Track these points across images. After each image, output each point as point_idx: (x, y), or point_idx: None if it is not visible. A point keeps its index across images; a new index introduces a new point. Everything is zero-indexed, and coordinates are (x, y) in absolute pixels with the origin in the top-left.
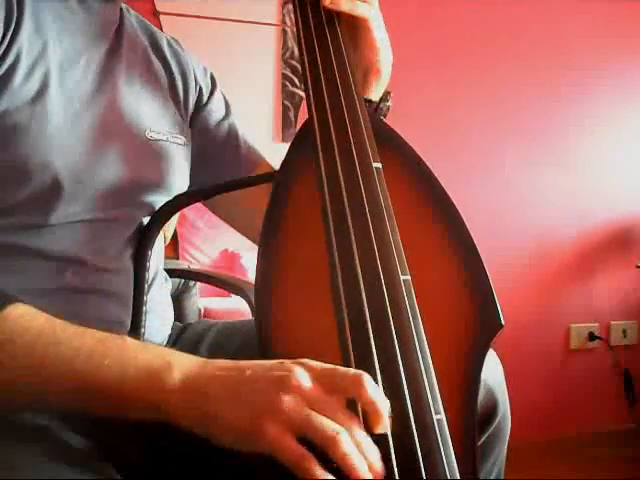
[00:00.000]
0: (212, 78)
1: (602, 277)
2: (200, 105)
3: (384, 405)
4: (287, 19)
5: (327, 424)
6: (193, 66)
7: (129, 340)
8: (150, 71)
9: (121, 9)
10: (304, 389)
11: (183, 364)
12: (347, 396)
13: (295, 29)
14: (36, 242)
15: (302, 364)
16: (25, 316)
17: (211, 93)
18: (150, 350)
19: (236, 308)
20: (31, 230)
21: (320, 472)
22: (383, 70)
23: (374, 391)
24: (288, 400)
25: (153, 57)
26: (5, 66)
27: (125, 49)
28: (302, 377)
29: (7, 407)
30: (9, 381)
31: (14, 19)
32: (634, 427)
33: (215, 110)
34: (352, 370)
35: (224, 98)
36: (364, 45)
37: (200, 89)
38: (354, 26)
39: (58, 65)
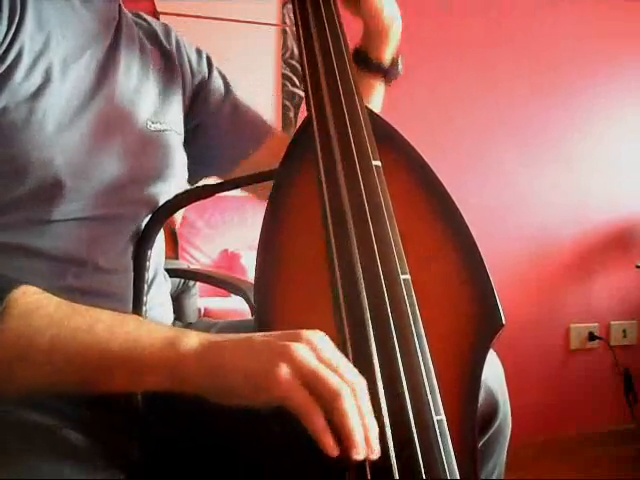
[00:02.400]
0: (208, 59)
1: (602, 277)
2: (199, 91)
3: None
4: (287, 19)
5: (334, 378)
6: (187, 52)
7: (143, 318)
8: (147, 63)
9: (119, 5)
10: (315, 343)
11: (198, 333)
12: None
13: (295, 28)
14: (37, 242)
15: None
16: (37, 294)
17: (209, 76)
18: (165, 325)
19: (236, 308)
20: (32, 229)
21: (324, 426)
22: (390, 33)
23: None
24: (299, 349)
25: (149, 48)
26: (7, 63)
27: (124, 44)
28: (314, 336)
29: (26, 387)
30: (28, 358)
31: (17, 17)
32: (634, 427)
33: (215, 92)
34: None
35: (222, 76)
36: (365, 11)
37: (195, 75)
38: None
39: (61, 60)
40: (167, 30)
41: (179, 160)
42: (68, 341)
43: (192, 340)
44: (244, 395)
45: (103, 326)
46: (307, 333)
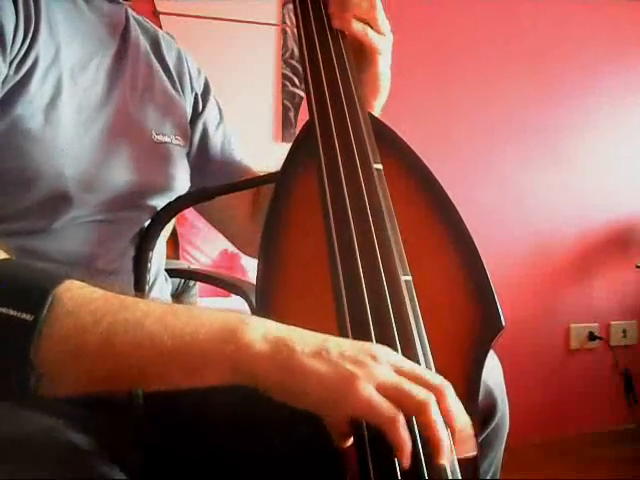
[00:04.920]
0: (206, 83)
1: (602, 277)
2: (197, 112)
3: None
4: (287, 19)
5: (418, 390)
6: (189, 67)
7: (194, 306)
8: (152, 72)
9: (126, 10)
10: (392, 358)
11: (260, 320)
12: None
13: (295, 28)
14: (41, 245)
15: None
16: (83, 288)
17: (205, 99)
18: (220, 310)
19: (236, 308)
20: (37, 234)
21: (407, 436)
22: (385, 90)
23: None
24: (378, 364)
25: (154, 58)
26: (24, 70)
27: (130, 51)
28: (388, 352)
29: (78, 386)
30: (79, 356)
31: (32, 26)
32: (634, 427)
33: (211, 118)
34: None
35: (216, 103)
36: (367, 74)
37: (196, 94)
38: (361, 52)
39: (70, 70)
40: (170, 40)
41: (182, 171)
42: (119, 337)
43: (255, 333)
44: (316, 404)
45: (153, 319)
46: (379, 346)
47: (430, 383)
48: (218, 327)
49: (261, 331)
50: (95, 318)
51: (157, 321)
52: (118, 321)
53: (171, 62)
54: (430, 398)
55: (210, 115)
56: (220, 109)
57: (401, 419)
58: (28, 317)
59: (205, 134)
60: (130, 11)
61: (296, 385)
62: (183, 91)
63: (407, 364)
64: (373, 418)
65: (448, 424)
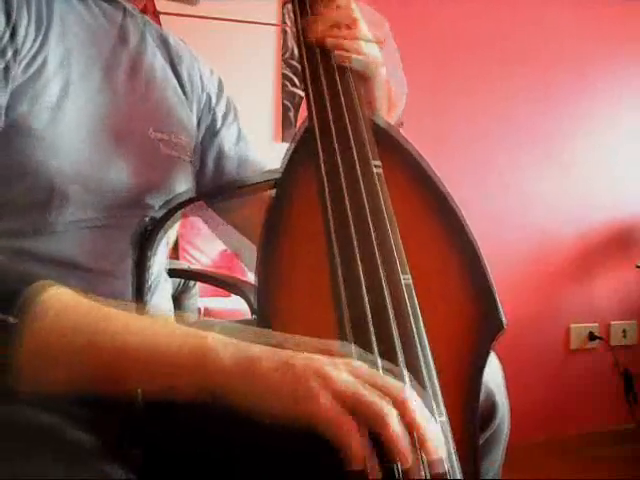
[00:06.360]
0: (228, 101)
1: (602, 277)
2: (214, 131)
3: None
4: (287, 19)
5: (378, 400)
6: (209, 87)
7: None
8: (166, 86)
9: (142, 21)
10: (356, 368)
11: (227, 341)
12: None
13: (295, 28)
14: (42, 247)
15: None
16: (69, 294)
17: (225, 117)
18: (193, 329)
19: (236, 308)
20: (36, 235)
21: (369, 453)
22: (392, 108)
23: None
24: (341, 374)
25: (170, 73)
26: (33, 69)
27: (144, 62)
28: (352, 361)
29: (59, 387)
30: (59, 359)
31: (44, 24)
32: (634, 427)
33: (228, 136)
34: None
35: (237, 122)
36: (366, 95)
37: (214, 114)
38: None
39: (78, 74)
40: (189, 55)
41: (183, 175)
42: (98, 346)
43: (225, 352)
44: (281, 417)
45: (133, 331)
46: (344, 358)
47: (391, 392)
48: (189, 343)
49: (230, 351)
50: (77, 325)
51: (136, 333)
52: (98, 330)
53: (190, 80)
54: (389, 411)
55: (227, 134)
56: (240, 128)
57: (358, 437)
58: (11, 319)
59: (221, 153)
60: (152, 25)
61: (258, 399)
62: (200, 110)
63: (367, 372)
64: (331, 430)
65: (415, 435)
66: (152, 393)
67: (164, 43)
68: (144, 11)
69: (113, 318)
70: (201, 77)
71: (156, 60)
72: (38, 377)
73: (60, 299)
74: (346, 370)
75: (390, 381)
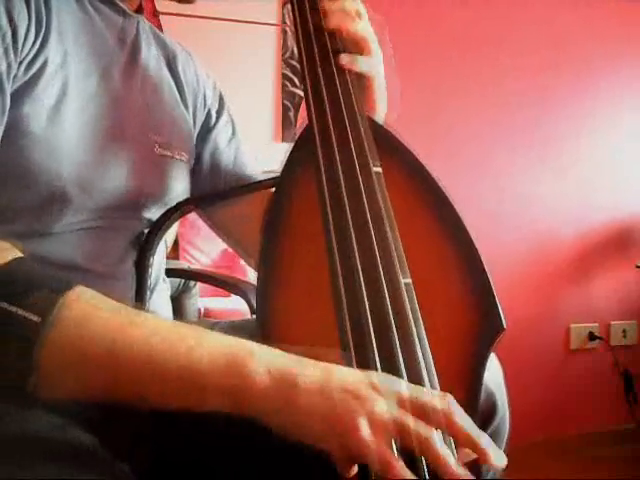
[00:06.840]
0: (221, 97)
1: (602, 277)
2: (208, 127)
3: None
4: (287, 19)
5: (418, 426)
6: (204, 84)
7: (201, 329)
8: (162, 87)
9: (138, 22)
10: (395, 387)
11: (265, 352)
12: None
13: (294, 28)
14: (42, 249)
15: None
16: (96, 297)
17: (219, 114)
18: (229, 337)
19: (236, 308)
20: (35, 237)
21: (406, 474)
22: (389, 109)
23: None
24: (379, 402)
25: (166, 71)
26: (33, 70)
27: (139, 64)
28: (393, 385)
29: (76, 393)
30: (81, 366)
31: (43, 26)
32: (634, 427)
33: (223, 133)
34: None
35: (231, 119)
36: (366, 95)
37: (209, 110)
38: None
39: (75, 76)
40: (187, 56)
41: (181, 185)
42: (123, 352)
43: (260, 366)
44: (317, 439)
45: (159, 339)
46: (381, 376)
47: (435, 408)
48: (223, 358)
49: (265, 364)
50: (101, 330)
51: (162, 341)
52: (124, 336)
53: (185, 78)
54: (431, 436)
55: (222, 130)
56: (234, 125)
57: (396, 462)
58: (35, 318)
59: (216, 149)
60: (146, 24)
61: (296, 422)
62: (195, 108)
63: (408, 393)
64: (372, 460)
65: (461, 443)
66: (175, 403)
67: (160, 43)
68: (138, 11)
69: (139, 323)
70: (196, 74)
71: (152, 60)
72: (59, 380)
73: (86, 301)
74: (385, 391)
75: (432, 397)
